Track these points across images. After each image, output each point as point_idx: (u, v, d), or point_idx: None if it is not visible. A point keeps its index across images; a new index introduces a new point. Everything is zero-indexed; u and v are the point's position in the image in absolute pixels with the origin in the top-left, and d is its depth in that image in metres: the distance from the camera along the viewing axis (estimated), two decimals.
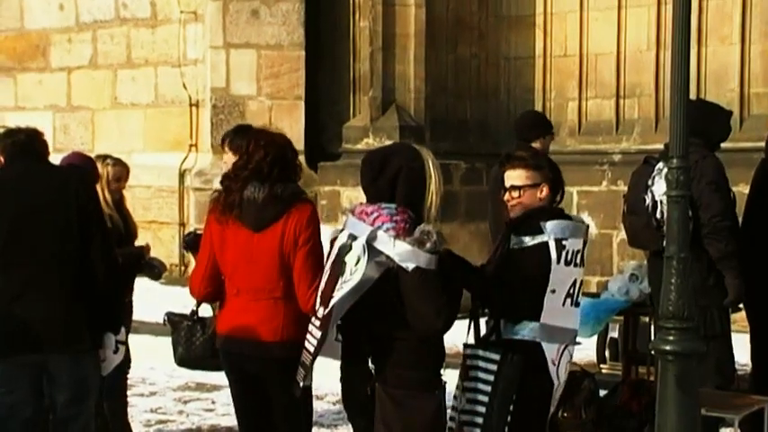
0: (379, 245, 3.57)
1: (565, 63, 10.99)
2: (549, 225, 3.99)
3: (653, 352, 4.61)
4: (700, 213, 5.56)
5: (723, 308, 5.71)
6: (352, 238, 3.65)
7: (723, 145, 6.00)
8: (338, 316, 3.61)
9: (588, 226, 4.23)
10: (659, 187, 5.55)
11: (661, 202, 5.54)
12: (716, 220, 5.50)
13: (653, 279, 5.97)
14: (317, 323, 3.70)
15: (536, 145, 6.62)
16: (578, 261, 4.02)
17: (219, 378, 7.35)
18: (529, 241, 4.01)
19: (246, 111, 10.64)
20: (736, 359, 5.92)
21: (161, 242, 11.78)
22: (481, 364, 3.96)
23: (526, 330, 4.02)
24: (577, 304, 4.07)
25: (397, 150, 3.83)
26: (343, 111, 10.90)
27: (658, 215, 5.60)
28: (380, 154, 3.83)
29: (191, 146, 11.85)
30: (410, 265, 3.52)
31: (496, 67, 11.33)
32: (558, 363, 4.01)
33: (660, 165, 5.59)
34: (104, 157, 6.26)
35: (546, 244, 3.96)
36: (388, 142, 10.41)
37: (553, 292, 3.96)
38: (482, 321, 4.21)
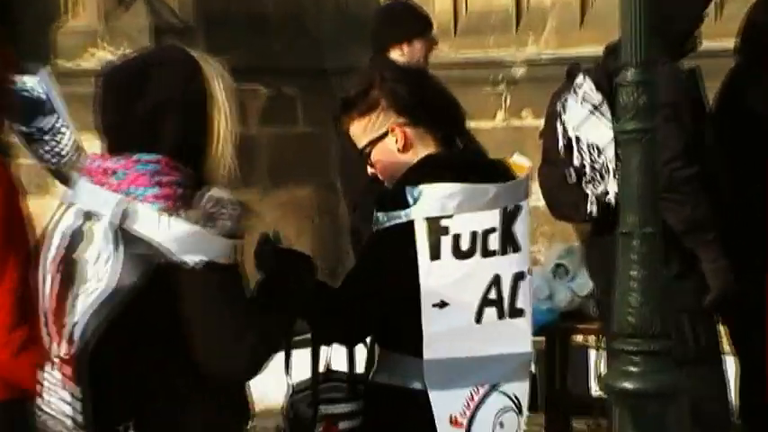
0: (137, 225, 3.48)
1: None
2: (418, 193, 3.98)
3: (603, 393, 4.68)
4: None
5: (700, 313, 5.85)
6: (89, 217, 3.56)
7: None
8: (88, 347, 3.47)
9: (523, 181, 4.17)
10: (575, 115, 5.79)
11: (578, 139, 5.64)
12: (672, 167, 5.61)
13: (595, 272, 6.07)
14: (67, 370, 3.55)
15: (397, 56, 6.65)
16: (496, 246, 3.99)
17: None
18: (386, 221, 4.02)
19: None
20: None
21: None
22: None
23: (402, 372, 4.07)
24: (518, 312, 4.09)
25: (162, 61, 3.72)
26: (52, 7, 10.69)
27: (576, 162, 5.69)
28: (134, 67, 3.72)
29: None
30: (194, 259, 3.46)
31: None
32: (472, 418, 4.02)
33: (580, 78, 5.67)
34: None
35: (410, 226, 3.98)
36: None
37: (441, 306, 3.94)
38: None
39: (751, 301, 5.79)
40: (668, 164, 5.45)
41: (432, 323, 3.82)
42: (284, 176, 10.38)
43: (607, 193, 5.57)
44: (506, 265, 3.91)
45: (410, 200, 3.81)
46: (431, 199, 3.82)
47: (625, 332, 4.41)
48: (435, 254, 3.81)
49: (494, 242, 3.86)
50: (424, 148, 4.01)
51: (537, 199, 8.55)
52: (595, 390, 6.71)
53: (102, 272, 3.48)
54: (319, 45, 10.51)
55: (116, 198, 3.50)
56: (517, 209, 3.94)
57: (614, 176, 5.50)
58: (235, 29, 10.31)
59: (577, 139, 5.60)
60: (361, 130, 4.07)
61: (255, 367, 3.60)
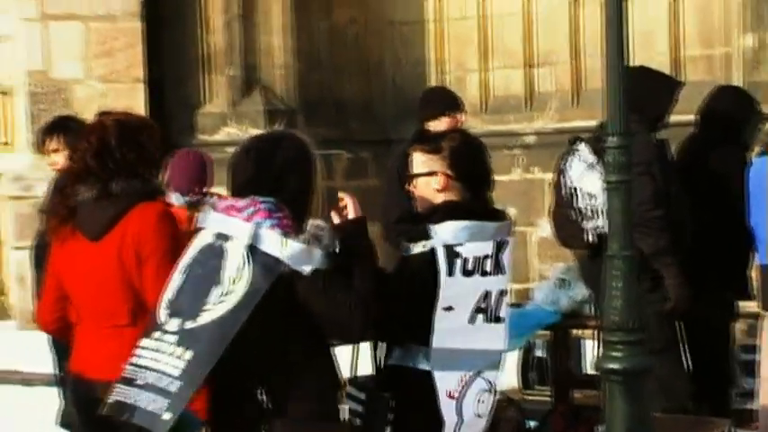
0: (264, 245, 3.62)
1: (463, 27, 11.09)
2: (439, 228, 4.02)
3: (597, 372, 4.70)
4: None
5: (666, 316, 5.85)
6: (222, 237, 3.69)
7: None
8: (229, 336, 3.56)
9: (509, 224, 4.22)
10: (575, 171, 5.86)
11: (579, 189, 5.69)
12: (643, 208, 5.62)
13: (592, 284, 6.08)
14: (179, 338, 3.60)
15: (431, 128, 6.66)
16: (489, 268, 4.05)
17: None
18: (413, 248, 4.07)
19: (73, 98, 10.57)
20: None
21: None
22: (351, 405, 4.03)
23: (413, 357, 4.05)
24: (498, 319, 4.11)
25: (285, 139, 3.98)
26: (195, 94, 10.96)
27: (576, 205, 5.73)
28: (268, 141, 4.00)
29: (3, 144, 11.64)
30: (306, 268, 3.61)
31: (380, 34, 11.44)
32: (463, 394, 4.02)
33: (581, 145, 5.72)
34: None
35: (432, 252, 3.99)
36: (252, 130, 10.36)
37: (448, 309, 3.99)
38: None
39: (702, 309, 5.80)
40: (640, 206, 5.57)
41: (440, 321, 4.03)
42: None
43: (598, 227, 5.60)
44: (494, 284, 4.12)
45: (432, 234, 3.96)
46: (448, 231, 4.02)
47: (611, 327, 4.48)
48: (450, 271, 4.03)
49: (488, 265, 4.03)
50: (453, 195, 4.06)
51: (543, 231, 8.48)
52: (589, 369, 6.69)
53: (235, 276, 3.62)
54: (384, 121, 10.60)
55: (249, 226, 3.65)
56: (504, 243, 4.16)
57: (605, 216, 5.55)
58: (325, 110, 10.49)
59: (578, 188, 5.66)
60: (419, 161, 4.29)
61: (365, 328, 3.75)
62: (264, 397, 3.72)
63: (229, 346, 3.63)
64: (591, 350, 6.70)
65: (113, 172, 4.20)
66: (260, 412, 3.71)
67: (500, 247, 4.10)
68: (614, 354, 4.56)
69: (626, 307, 4.56)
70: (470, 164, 4.24)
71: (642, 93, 5.80)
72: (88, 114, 6.49)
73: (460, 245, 4.00)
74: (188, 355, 3.56)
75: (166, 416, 3.47)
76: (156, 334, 3.67)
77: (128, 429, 4.03)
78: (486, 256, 4.05)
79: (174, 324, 3.65)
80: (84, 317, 4.26)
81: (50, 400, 6.48)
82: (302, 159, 3.86)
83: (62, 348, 4.65)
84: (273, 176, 3.81)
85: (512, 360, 7.33)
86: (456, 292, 3.99)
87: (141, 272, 4.10)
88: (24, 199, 10.23)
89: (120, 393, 3.67)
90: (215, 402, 3.88)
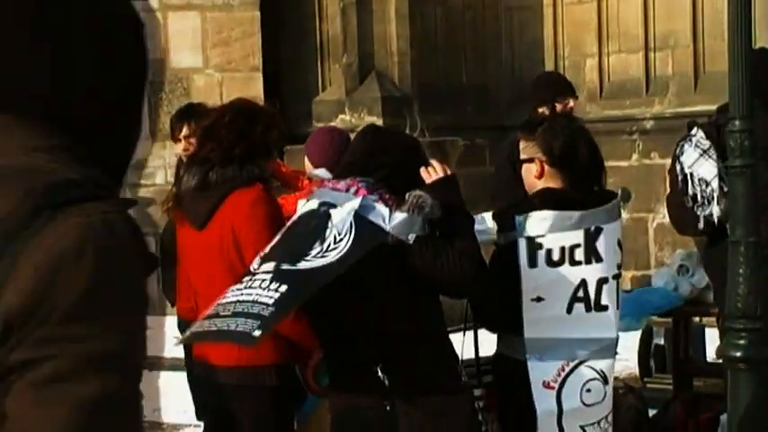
0: (372, 216, 3.77)
1: (580, 11, 11.12)
2: (520, 219, 4.05)
3: (719, 359, 4.65)
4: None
5: None
6: (327, 205, 3.82)
7: None
8: (321, 282, 3.68)
9: (607, 209, 4.20)
10: (689, 157, 5.78)
11: (691, 174, 5.62)
12: (762, 194, 5.51)
13: (712, 271, 6.01)
14: (273, 276, 3.67)
15: (545, 113, 6.62)
16: (581, 257, 4.05)
17: None
18: (501, 239, 4.18)
19: (191, 87, 10.76)
20: None
21: None
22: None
23: (511, 346, 4.16)
24: (602, 308, 4.10)
25: (407, 138, 4.32)
26: (312, 82, 11.12)
27: (690, 191, 5.65)
28: (390, 133, 4.35)
29: None
30: (411, 237, 3.75)
31: (496, 19, 11.49)
32: (561, 384, 4.05)
33: (695, 130, 5.65)
34: None
35: (515, 243, 4.05)
36: (368, 118, 10.50)
37: (538, 300, 4.03)
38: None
39: None
40: (758, 192, 5.36)
41: (530, 312, 4.09)
42: (476, 203, 10.30)
43: (712, 214, 5.52)
44: (591, 272, 4.13)
45: (517, 225, 4.07)
46: (529, 223, 4.09)
47: (735, 314, 4.43)
48: (533, 263, 4.12)
49: (579, 254, 4.12)
50: (551, 182, 4.17)
51: (663, 217, 8.44)
52: (710, 357, 6.63)
53: (340, 236, 3.75)
54: (500, 107, 10.67)
55: (357, 199, 3.82)
56: (598, 230, 4.11)
57: (717, 202, 5.48)
58: (440, 96, 10.78)
59: (691, 174, 5.55)
60: (521, 147, 4.39)
61: (477, 280, 3.85)
62: (382, 374, 3.82)
63: (341, 327, 3.84)
64: (713, 338, 6.64)
65: (214, 159, 4.22)
66: (381, 389, 3.81)
67: (594, 234, 4.07)
68: (738, 341, 4.59)
69: (750, 294, 4.58)
70: (566, 149, 4.19)
71: (762, 75, 5.70)
72: (208, 103, 6.66)
73: (542, 236, 4.03)
74: (283, 288, 3.64)
75: (257, 332, 3.54)
76: (247, 277, 3.77)
77: (241, 419, 4.16)
78: (574, 246, 4.04)
79: (267, 266, 3.74)
80: (200, 305, 4.29)
81: (171, 385, 6.63)
82: (417, 165, 3.96)
83: None
84: (380, 166, 3.91)
85: (632, 347, 7.30)
86: (542, 283, 4.03)
87: (243, 258, 4.11)
88: (143, 186, 10.41)
89: (201, 326, 3.73)
90: (337, 383, 4.02)
